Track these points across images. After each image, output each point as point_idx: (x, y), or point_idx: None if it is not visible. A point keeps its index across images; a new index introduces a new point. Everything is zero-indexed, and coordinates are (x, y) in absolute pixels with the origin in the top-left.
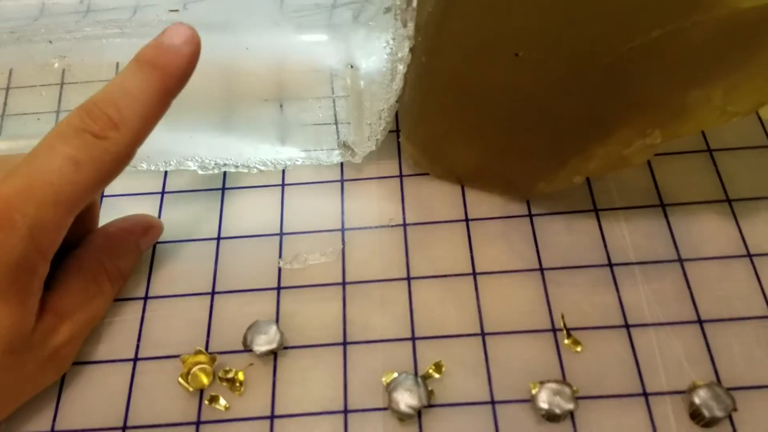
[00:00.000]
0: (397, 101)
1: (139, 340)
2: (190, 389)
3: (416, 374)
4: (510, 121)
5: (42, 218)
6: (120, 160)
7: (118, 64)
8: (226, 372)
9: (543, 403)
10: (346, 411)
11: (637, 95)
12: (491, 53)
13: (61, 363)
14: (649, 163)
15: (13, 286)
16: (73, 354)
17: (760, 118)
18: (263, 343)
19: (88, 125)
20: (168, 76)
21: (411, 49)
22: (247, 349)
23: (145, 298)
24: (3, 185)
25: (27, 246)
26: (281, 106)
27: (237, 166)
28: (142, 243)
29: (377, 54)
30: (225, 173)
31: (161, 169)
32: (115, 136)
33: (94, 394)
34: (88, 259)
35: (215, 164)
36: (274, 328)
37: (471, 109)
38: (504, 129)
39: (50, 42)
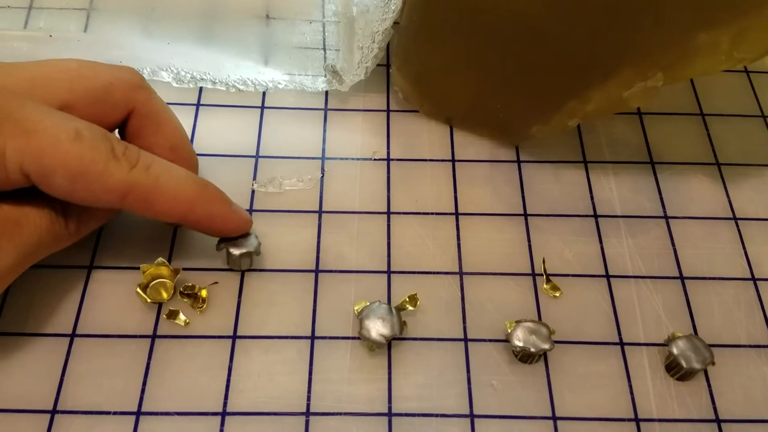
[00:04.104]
0: (392, 26)
1: (96, 247)
2: (148, 301)
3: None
4: (512, 52)
5: None
6: (100, 192)
7: None
8: (188, 287)
9: (518, 341)
10: (313, 337)
11: (645, 33)
12: None
13: None
14: (641, 121)
15: None
16: None
17: (753, 88)
18: (241, 246)
19: (118, 145)
20: (206, 216)
21: None
22: (221, 250)
23: None
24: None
25: None
26: (268, 24)
27: (215, 83)
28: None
29: None
30: (201, 89)
31: None
32: (126, 171)
33: (42, 299)
34: None
35: (192, 77)
36: (252, 235)
37: (473, 37)
38: (505, 61)
39: None
